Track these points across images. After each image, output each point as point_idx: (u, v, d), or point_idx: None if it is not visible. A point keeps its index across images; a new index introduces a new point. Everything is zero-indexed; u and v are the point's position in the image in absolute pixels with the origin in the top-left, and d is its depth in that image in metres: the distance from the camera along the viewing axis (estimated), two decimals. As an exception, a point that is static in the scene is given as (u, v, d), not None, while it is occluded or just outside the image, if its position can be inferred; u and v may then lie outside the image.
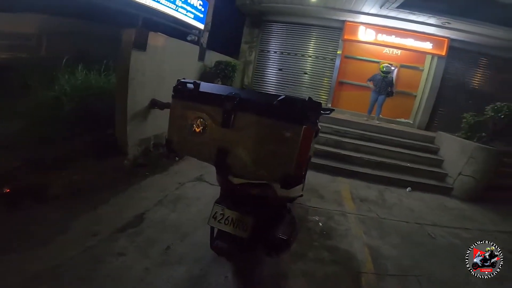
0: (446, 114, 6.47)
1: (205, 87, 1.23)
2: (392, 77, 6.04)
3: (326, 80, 6.96)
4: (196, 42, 4.63)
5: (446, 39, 6.04)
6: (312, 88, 7.04)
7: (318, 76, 7.00)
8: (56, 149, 3.07)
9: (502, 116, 4.24)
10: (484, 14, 4.78)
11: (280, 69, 7.08)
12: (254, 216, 1.46)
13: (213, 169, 3.99)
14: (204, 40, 4.82)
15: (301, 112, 1.01)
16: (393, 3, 4.86)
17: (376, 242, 2.71)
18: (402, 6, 4.94)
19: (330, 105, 6.83)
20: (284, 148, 1.03)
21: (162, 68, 3.79)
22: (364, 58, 6.82)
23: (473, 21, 4.98)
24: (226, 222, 1.47)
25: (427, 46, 6.19)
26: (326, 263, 2.26)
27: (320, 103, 1.07)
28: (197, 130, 1.16)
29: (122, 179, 3.15)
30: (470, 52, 6.20)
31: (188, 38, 4.47)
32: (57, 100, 3.71)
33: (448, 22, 5.23)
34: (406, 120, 6.88)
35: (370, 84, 5.96)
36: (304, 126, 1.00)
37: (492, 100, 4.76)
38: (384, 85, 5.80)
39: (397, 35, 6.24)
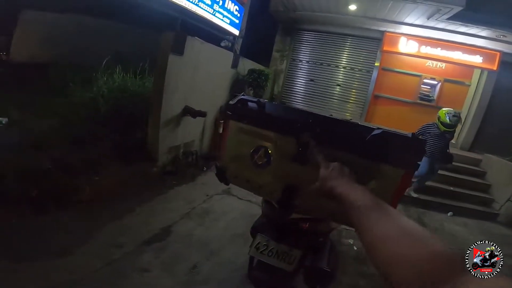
0: (494, 135, 5.81)
1: (271, 108, 0.99)
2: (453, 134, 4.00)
3: (361, 93, 6.57)
4: (230, 49, 4.55)
5: (498, 53, 5.44)
6: (345, 101, 6.69)
7: (352, 88, 6.62)
8: (87, 151, 3.05)
9: None
10: None
11: (311, 80, 6.82)
12: (302, 249, 1.34)
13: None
14: (238, 46, 4.74)
15: (402, 153, 0.78)
16: (443, 14, 4.46)
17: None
18: (453, 18, 4.52)
19: (364, 119, 6.45)
20: (375, 191, 0.81)
21: (196, 74, 3.72)
22: (404, 71, 6.36)
23: None
24: (270, 254, 1.33)
25: (476, 59, 5.61)
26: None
27: (425, 141, 0.84)
28: (259, 162, 0.92)
29: (150, 187, 3.07)
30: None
31: (222, 44, 4.40)
32: (94, 101, 3.77)
33: (503, 35, 4.72)
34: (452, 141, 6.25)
35: None
36: (404, 170, 0.78)
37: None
38: (442, 145, 3.75)
39: (443, 47, 5.71)
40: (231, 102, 0.99)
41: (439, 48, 5.75)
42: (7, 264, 1.63)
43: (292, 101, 6.98)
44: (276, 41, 6.84)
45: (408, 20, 5.21)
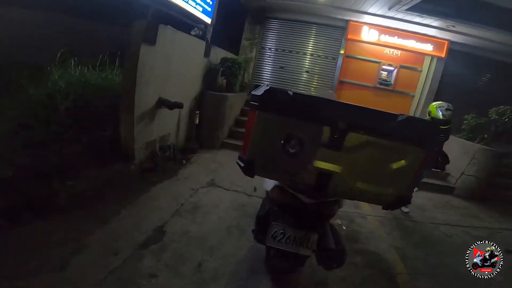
0: (444, 116, 6.61)
1: (301, 99, 1.01)
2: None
3: (328, 79, 6.91)
4: (202, 37, 4.35)
5: (446, 41, 6.15)
6: (313, 87, 6.97)
7: (320, 74, 6.93)
8: (52, 153, 2.73)
9: (506, 119, 4.39)
10: (487, 18, 4.88)
11: (281, 67, 6.92)
12: (318, 233, 1.40)
13: (224, 173, 3.73)
14: (209, 35, 4.55)
15: (423, 135, 0.90)
16: (403, 5, 4.82)
17: (400, 243, 2.81)
18: (412, 9, 4.91)
19: None
20: (401, 170, 0.93)
21: (169, 64, 3.51)
22: (365, 58, 6.82)
23: (476, 24, 5.06)
24: (288, 241, 1.36)
25: (427, 47, 6.27)
26: (361, 267, 2.26)
27: (439, 125, 0.96)
28: (292, 150, 0.94)
29: (130, 186, 2.90)
30: (470, 55, 6.35)
31: (193, 33, 4.18)
32: (50, 98, 3.31)
33: (453, 25, 5.30)
34: (404, 120, 6.96)
35: None
36: (425, 150, 0.91)
37: (490, 103, 4.93)
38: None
39: (399, 36, 6.26)
40: (256, 93, 0.97)
41: (396, 37, 6.29)
42: (5, 283, 1.46)
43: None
44: (245, 29, 6.72)
45: (371, 10, 5.52)
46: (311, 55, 6.84)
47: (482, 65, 6.52)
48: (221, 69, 4.82)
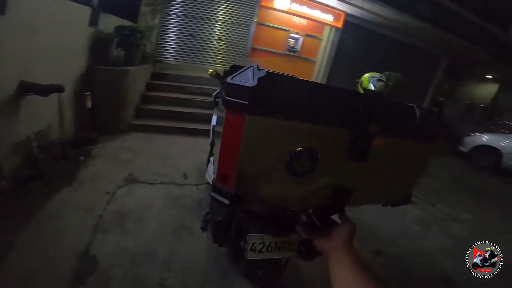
0: (340, 79, 7.65)
1: (311, 90, 0.63)
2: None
3: (241, 46, 6.74)
4: (86, 3, 3.28)
5: (343, 13, 6.84)
6: (227, 55, 6.68)
7: (233, 42, 6.65)
8: None
9: (391, 83, 5.35)
10: None
11: (191, 35, 6.19)
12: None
13: (141, 162, 3.16)
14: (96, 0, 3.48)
15: (437, 128, 0.78)
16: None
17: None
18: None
19: None
20: (413, 168, 0.82)
21: (34, 39, 2.51)
22: (276, 25, 6.89)
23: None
24: (269, 249, 1.22)
25: (329, 18, 6.89)
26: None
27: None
28: (300, 169, 0.62)
29: (11, 210, 2.04)
30: (360, 27, 7.29)
31: None
32: None
33: None
34: (309, 83, 7.68)
35: None
36: (435, 145, 0.78)
37: (379, 70, 5.90)
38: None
39: (307, 5, 6.58)
40: (239, 81, 0.56)
41: (304, 6, 6.58)
42: None
43: (169, 59, 6.33)
44: None
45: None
46: (224, 22, 6.41)
47: (371, 37, 7.65)
48: (116, 39, 3.85)
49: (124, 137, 3.87)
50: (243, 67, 0.59)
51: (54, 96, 2.81)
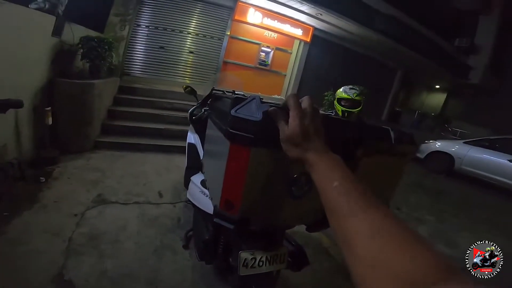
0: (309, 92, 8.03)
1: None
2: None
3: (213, 60, 6.75)
4: (51, 12, 3.08)
5: (311, 28, 7.29)
6: (198, 68, 6.64)
7: (205, 55, 6.63)
8: None
9: (366, 92, 5.81)
10: (345, 10, 6.05)
11: (162, 47, 6.06)
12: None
13: (111, 182, 3.01)
14: (62, 8, 3.28)
15: (409, 146, 0.96)
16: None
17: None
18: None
19: (216, 84, 6.82)
20: (391, 179, 0.97)
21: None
22: (247, 39, 7.07)
23: (337, 14, 6.21)
24: (260, 263, 1.23)
25: (298, 32, 7.26)
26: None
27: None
28: (298, 193, 0.70)
29: None
30: (327, 41, 7.81)
31: (33, 6, 2.89)
32: None
33: (320, 14, 6.25)
34: (279, 97, 7.85)
35: None
36: (408, 158, 0.98)
37: (344, 83, 6.33)
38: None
39: (278, 20, 6.88)
40: (244, 115, 0.58)
41: (276, 21, 6.87)
42: None
43: (137, 72, 6.09)
44: (115, 3, 5.29)
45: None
46: (196, 34, 6.38)
47: (336, 50, 8.22)
48: (82, 50, 3.65)
49: (90, 155, 3.61)
50: (223, 91, 0.67)
51: (10, 112, 2.56)
